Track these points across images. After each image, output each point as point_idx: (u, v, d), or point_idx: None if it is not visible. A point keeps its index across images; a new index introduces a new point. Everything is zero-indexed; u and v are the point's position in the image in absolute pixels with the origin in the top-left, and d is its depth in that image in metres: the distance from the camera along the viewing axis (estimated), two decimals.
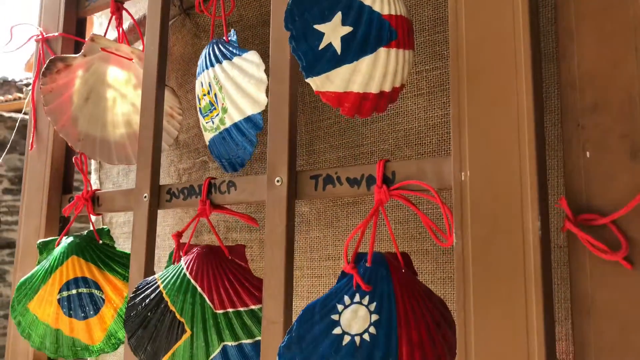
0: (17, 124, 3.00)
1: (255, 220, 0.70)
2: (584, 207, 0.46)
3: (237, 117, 0.69)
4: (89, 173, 1.11)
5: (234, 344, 0.67)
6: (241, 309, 0.68)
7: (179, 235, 0.68)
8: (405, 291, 0.55)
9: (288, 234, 0.62)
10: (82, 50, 0.85)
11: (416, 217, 0.70)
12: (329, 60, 0.56)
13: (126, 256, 0.85)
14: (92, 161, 1.21)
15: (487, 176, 0.48)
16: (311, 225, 0.80)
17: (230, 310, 0.67)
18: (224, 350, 0.67)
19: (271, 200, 0.63)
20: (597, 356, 0.44)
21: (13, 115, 4.00)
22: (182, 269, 0.69)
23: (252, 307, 0.68)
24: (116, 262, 0.83)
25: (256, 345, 0.67)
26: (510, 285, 0.45)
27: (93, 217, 0.85)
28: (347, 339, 0.52)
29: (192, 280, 0.68)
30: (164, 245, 1.01)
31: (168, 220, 1.02)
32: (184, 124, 0.98)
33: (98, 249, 0.83)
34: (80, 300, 0.81)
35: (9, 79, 5.84)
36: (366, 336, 0.52)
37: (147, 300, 0.69)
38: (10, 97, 5.14)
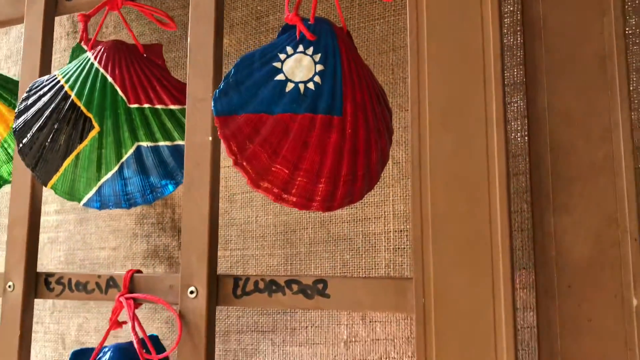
0: None
1: (172, 19, 0.63)
2: None
3: None
4: None
5: (149, 144, 0.60)
6: (159, 106, 0.61)
7: (86, 16, 0.59)
8: (350, 53, 0.52)
9: (218, 3, 0.56)
10: None
11: None
12: None
13: (13, 82, 0.73)
14: None
15: None
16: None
17: (147, 106, 0.60)
18: (138, 150, 0.60)
19: None
20: (547, 72, 0.44)
21: None
22: (90, 59, 0.60)
23: (172, 107, 0.61)
24: (1, 86, 0.72)
25: (175, 150, 0.60)
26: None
27: None
28: (290, 85, 0.48)
29: (102, 70, 0.60)
30: None
31: None
32: None
33: None
34: None
35: None
36: (311, 85, 0.48)
37: (45, 99, 0.60)
38: None
